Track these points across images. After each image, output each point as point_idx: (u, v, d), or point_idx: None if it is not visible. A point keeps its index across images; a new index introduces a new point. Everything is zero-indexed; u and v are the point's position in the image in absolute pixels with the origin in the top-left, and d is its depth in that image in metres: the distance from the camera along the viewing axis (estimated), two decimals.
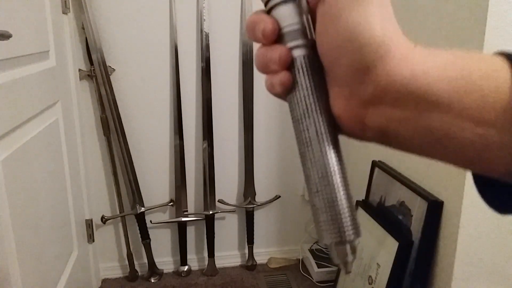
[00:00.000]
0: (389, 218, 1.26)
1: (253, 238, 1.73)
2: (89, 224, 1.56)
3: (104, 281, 1.69)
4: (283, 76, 0.26)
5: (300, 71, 0.26)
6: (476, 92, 0.21)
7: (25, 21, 1.02)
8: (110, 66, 1.50)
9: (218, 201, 1.69)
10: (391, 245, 1.18)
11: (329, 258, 1.70)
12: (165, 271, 1.73)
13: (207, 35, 1.54)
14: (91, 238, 1.58)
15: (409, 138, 0.23)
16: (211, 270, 1.71)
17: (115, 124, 1.53)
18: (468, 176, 0.99)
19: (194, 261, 1.76)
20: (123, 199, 1.61)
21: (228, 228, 1.77)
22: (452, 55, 0.22)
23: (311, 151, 0.26)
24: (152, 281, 1.67)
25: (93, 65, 1.47)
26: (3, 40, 0.85)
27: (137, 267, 1.69)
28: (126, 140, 1.56)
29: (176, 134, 1.60)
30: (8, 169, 0.88)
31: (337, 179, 0.25)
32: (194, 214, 1.70)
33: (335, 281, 1.53)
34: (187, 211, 1.67)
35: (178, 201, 1.65)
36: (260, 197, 1.73)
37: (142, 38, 1.51)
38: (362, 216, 1.42)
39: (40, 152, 1.09)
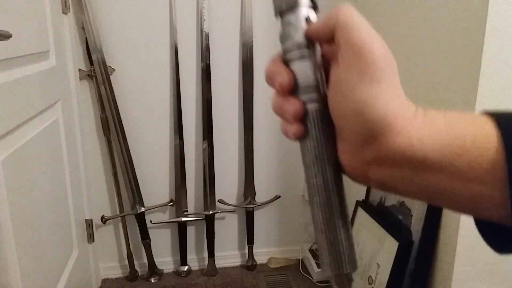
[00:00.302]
0: (389, 218, 1.26)
1: (253, 238, 1.73)
2: (89, 224, 1.56)
3: (104, 281, 1.69)
4: (297, 128, 0.29)
5: (312, 123, 0.29)
6: (467, 156, 0.24)
7: (25, 21, 1.02)
8: (110, 66, 1.50)
9: (218, 201, 1.69)
10: (391, 245, 1.18)
11: None
12: (165, 271, 1.73)
13: (207, 35, 1.54)
14: (91, 238, 1.58)
15: (407, 192, 0.26)
16: (211, 270, 1.71)
17: (115, 124, 1.53)
18: None
19: (194, 261, 1.76)
20: (123, 199, 1.61)
21: (228, 228, 1.77)
22: (445, 122, 0.25)
23: (318, 195, 0.29)
24: (152, 281, 1.67)
25: (93, 65, 1.47)
26: (3, 40, 0.85)
27: (137, 267, 1.69)
28: (126, 140, 1.56)
29: (176, 134, 1.60)
30: (8, 169, 0.88)
31: (339, 222, 0.29)
32: (194, 214, 1.70)
33: None
34: (187, 211, 1.67)
35: (178, 201, 1.65)
36: (260, 197, 1.73)
37: (142, 38, 1.51)
38: (362, 216, 1.42)
39: (40, 152, 1.09)
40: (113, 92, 1.51)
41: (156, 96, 1.57)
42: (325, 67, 0.29)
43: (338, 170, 0.29)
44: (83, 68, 1.50)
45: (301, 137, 0.29)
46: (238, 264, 1.79)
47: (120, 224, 1.66)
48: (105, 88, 1.49)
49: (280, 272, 1.74)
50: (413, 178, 0.25)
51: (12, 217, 0.88)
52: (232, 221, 1.77)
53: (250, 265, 1.75)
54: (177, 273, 1.72)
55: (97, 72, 1.47)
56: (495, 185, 0.23)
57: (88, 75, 1.50)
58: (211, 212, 1.67)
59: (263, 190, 1.74)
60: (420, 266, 1.12)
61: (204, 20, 1.52)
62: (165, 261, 1.73)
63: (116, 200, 1.62)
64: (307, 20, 0.28)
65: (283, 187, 1.77)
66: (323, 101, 0.28)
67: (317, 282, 1.64)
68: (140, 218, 1.62)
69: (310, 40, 0.28)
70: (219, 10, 1.54)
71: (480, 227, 0.27)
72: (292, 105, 0.29)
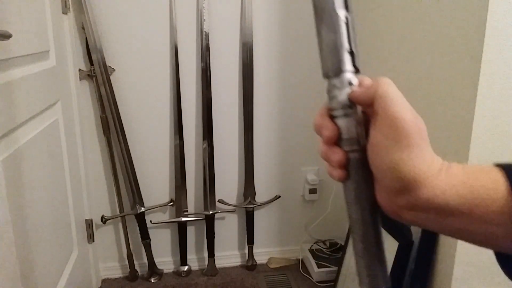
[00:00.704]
0: (389, 218, 1.26)
1: (253, 238, 1.73)
2: (89, 224, 1.56)
3: (104, 281, 1.69)
4: (341, 173, 0.35)
5: (353, 169, 0.34)
6: (482, 203, 0.29)
7: (25, 21, 1.02)
8: (110, 66, 1.50)
9: (218, 201, 1.69)
10: (391, 245, 1.18)
11: (329, 258, 1.70)
12: (165, 271, 1.73)
13: (207, 35, 1.54)
14: (91, 238, 1.58)
15: (434, 229, 0.33)
16: (211, 270, 1.71)
17: (115, 124, 1.53)
18: None
19: (194, 261, 1.76)
20: (123, 199, 1.61)
21: (228, 228, 1.77)
22: (464, 175, 0.30)
23: (358, 228, 0.35)
24: (152, 281, 1.67)
25: (93, 65, 1.47)
26: (3, 40, 0.85)
27: (137, 267, 1.69)
28: (126, 140, 1.56)
29: (176, 134, 1.60)
30: (8, 169, 0.88)
31: (375, 250, 0.34)
32: (194, 214, 1.70)
33: (335, 281, 1.53)
34: (187, 211, 1.67)
35: (178, 201, 1.65)
36: (260, 197, 1.73)
37: (142, 38, 1.51)
38: None
39: (40, 152, 1.09)
40: (113, 92, 1.51)
41: (156, 96, 1.57)
42: (364, 121, 0.34)
43: (375, 208, 0.34)
44: (83, 68, 1.50)
45: (344, 180, 0.35)
46: (238, 264, 1.79)
47: (120, 224, 1.66)
48: (105, 88, 1.49)
49: (280, 272, 1.74)
50: (439, 221, 0.31)
51: (12, 217, 0.88)
52: (232, 221, 1.77)
53: (250, 265, 1.75)
54: (177, 273, 1.72)
55: (97, 72, 1.47)
56: (506, 226, 0.28)
57: (88, 75, 1.50)
58: (211, 212, 1.67)
59: (263, 190, 1.74)
60: (420, 266, 1.12)
61: (204, 20, 1.52)
62: (165, 261, 1.73)
63: (116, 200, 1.62)
64: (350, 83, 0.34)
65: (283, 187, 1.77)
66: (363, 151, 0.34)
67: (317, 282, 1.64)
68: (140, 218, 1.62)
69: (352, 101, 0.34)
70: (219, 10, 1.54)
71: (498, 258, 0.32)
72: (337, 155, 0.34)
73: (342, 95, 0.34)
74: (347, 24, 0.33)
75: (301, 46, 1.63)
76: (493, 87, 0.93)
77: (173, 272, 1.74)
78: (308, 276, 1.69)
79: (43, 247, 1.09)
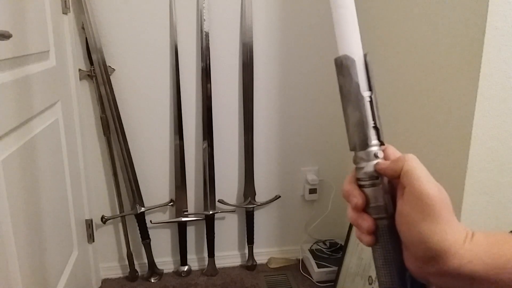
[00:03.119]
0: None
1: (253, 238, 1.73)
2: (89, 224, 1.56)
3: (104, 281, 1.69)
4: (370, 239, 0.37)
5: (382, 235, 0.36)
6: (506, 269, 0.31)
7: (25, 21, 1.02)
8: (110, 66, 1.50)
9: (218, 201, 1.69)
10: None
11: (329, 258, 1.70)
12: (165, 271, 1.73)
13: (207, 35, 1.54)
14: (91, 238, 1.58)
15: None
16: (211, 270, 1.71)
17: (115, 124, 1.53)
18: (468, 176, 0.99)
19: (194, 261, 1.76)
20: (123, 199, 1.61)
21: (228, 228, 1.77)
22: (487, 243, 0.33)
23: None
24: (152, 281, 1.67)
25: (93, 65, 1.47)
26: (3, 40, 0.85)
27: (137, 267, 1.69)
28: (126, 140, 1.56)
29: (176, 134, 1.60)
30: (8, 169, 0.88)
31: None
32: (194, 214, 1.70)
33: (335, 281, 1.53)
34: (187, 211, 1.67)
35: (178, 201, 1.65)
36: (260, 197, 1.73)
37: (142, 38, 1.51)
38: None
39: (40, 152, 1.09)
40: (113, 92, 1.51)
41: (156, 96, 1.57)
42: (391, 189, 0.37)
43: (404, 271, 0.36)
44: (83, 68, 1.50)
45: (373, 245, 0.37)
46: (238, 264, 1.79)
47: (120, 224, 1.66)
48: (105, 88, 1.49)
49: (280, 272, 1.74)
50: (467, 287, 0.33)
51: (12, 217, 0.88)
52: (232, 221, 1.77)
53: (250, 265, 1.75)
54: (177, 273, 1.72)
55: (97, 72, 1.47)
56: None
57: (88, 75, 1.50)
58: (211, 212, 1.67)
59: (263, 190, 1.74)
60: None
61: (204, 20, 1.52)
62: (165, 261, 1.73)
63: (116, 200, 1.62)
64: (376, 156, 0.36)
65: (283, 187, 1.77)
66: (390, 218, 0.36)
67: (317, 282, 1.64)
68: (140, 218, 1.62)
69: (379, 173, 0.36)
70: (219, 10, 1.54)
71: None
72: (366, 222, 0.37)
73: (369, 167, 0.36)
74: (371, 103, 0.36)
75: (301, 46, 1.63)
76: (493, 87, 0.93)
77: (173, 272, 1.74)
78: (308, 276, 1.69)
79: (43, 247, 1.09)
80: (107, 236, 1.68)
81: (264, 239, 1.81)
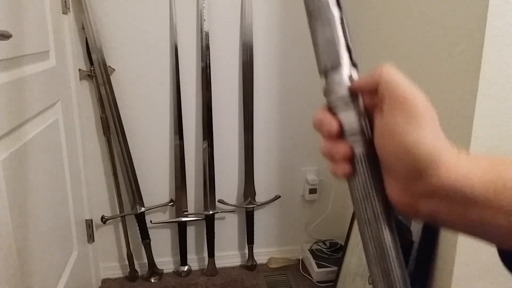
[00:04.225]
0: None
1: (253, 238, 1.73)
2: (89, 224, 1.56)
3: (104, 281, 1.69)
4: (346, 168, 0.32)
5: (360, 163, 0.32)
6: (507, 192, 0.27)
7: (25, 21, 1.02)
8: (110, 66, 1.50)
9: (218, 201, 1.69)
10: None
11: (329, 258, 1.70)
12: (165, 271, 1.72)
13: (207, 35, 1.54)
14: (91, 238, 1.58)
15: (454, 224, 0.29)
16: (211, 270, 1.71)
17: (115, 124, 1.52)
18: None
19: (194, 261, 1.76)
20: (123, 199, 1.61)
21: (228, 228, 1.77)
22: (488, 162, 0.28)
23: (369, 229, 0.32)
24: (152, 281, 1.67)
25: (93, 65, 1.47)
26: (3, 40, 0.85)
27: (137, 267, 1.69)
28: (126, 140, 1.56)
29: (176, 134, 1.60)
30: (8, 169, 0.88)
31: (392, 253, 0.31)
32: (194, 214, 1.70)
33: (335, 281, 1.53)
34: (187, 211, 1.67)
35: (178, 201, 1.65)
36: (260, 197, 1.73)
37: (142, 38, 1.51)
38: None
39: (40, 152, 1.09)
40: (113, 92, 1.51)
41: (156, 96, 1.57)
42: (367, 114, 0.33)
43: (386, 204, 0.32)
44: (83, 68, 1.50)
45: (350, 176, 0.33)
46: (238, 264, 1.79)
47: (120, 224, 1.66)
48: (105, 88, 1.49)
49: (280, 272, 1.74)
50: (461, 212, 0.28)
51: (12, 217, 0.88)
52: (232, 221, 1.77)
53: (250, 265, 1.75)
54: (177, 273, 1.72)
55: (97, 72, 1.47)
56: None
57: (88, 75, 1.50)
58: (211, 212, 1.66)
59: (263, 190, 1.74)
60: (420, 266, 1.12)
61: (204, 20, 1.52)
62: (165, 261, 1.73)
63: (116, 200, 1.62)
64: (350, 77, 0.33)
65: (283, 187, 1.77)
66: (368, 143, 0.32)
67: (317, 282, 1.64)
68: (140, 218, 1.62)
69: (353, 93, 0.33)
70: (219, 10, 1.54)
71: (503, 256, 0.30)
72: (341, 147, 0.32)
73: (342, 89, 0.33)
74: (341, 20, 0.33)
75: (301, 46, 1.63)
76: (493, 87, 0.93)
77: (173, 272, 1.74)
78: (308, 276, 1.69)
79: (43, 247, 1.09)
80: (107, 236, 1.68)
81: (264, 239, 1.81)
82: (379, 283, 0.31)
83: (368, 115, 0.33)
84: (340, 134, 0.33)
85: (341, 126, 0.32)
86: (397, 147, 0.29)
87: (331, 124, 0.33)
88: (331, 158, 0.33)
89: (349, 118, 0.32)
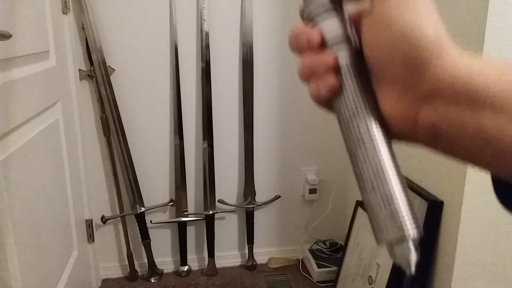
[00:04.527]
0: None
1: (253, 238, 1.73)
2: (89, 224, 1.56)
3: (104, 281, 1.69)
4: (331, 79, 0.27)
5: (347, 74, 0.27)
6: None
7: (25, 21, 1.02)
8: (110, 66, 1.50)
9: (218, 201, 1.69)
10: None
11: (329, 258, 1.70)
12: (165, 271, 1.72)
13: (207, 35, 1.54)
14: (91, 238, 1.58)
15: (459, 138, 0.23)
16: (211, 270, 1.71)
17: (115, 124, 1.53)
18: (468, 176, 0.99)
19: (194, 261, 1.76)
20: (123, 199, 1.61)
21: (228, 228, 1.77)
22: (503, 64, 0.23)
23: (364, 148, 0.26)
24: (152, 281, 1.67)
25: (93, 65, 1.47)
26: (3, 40, 0.85)
27: (137, 267, 1.69)
28: (126, 140, 1.56)
29: (176, 134, 1.60)
30: (8, 169, 0.88)
31: (393, 174, 0.25)
32: (194, 214, 1.70)
33: (335, 281, 1.53)
34: (187, 211, 1.67)
35: (178, 201, 1.65)
36: (260, 197, 1.73)
37: (142, 38, 1.51)
38: (363, 216, 1.42)
39: (40, 152, 1.09)
40: (113, 92, 1.51)
41: (156, 96, 1.57)
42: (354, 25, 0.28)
43: (381, 118, 0.27)
44: (83, 68, 1.50)
45: (336, 92, 0.27)
46: (238, 264, 1.79)
47: (120, 224, 1.66)
48: (105, 88, 1.49)
49: (280, 272, 1.74)
50: (470, 119, 0.22)
51: (12, 217, 0.88)
52: (232, 221, 1.77)
53: (250, 265, 1.75)
54: (177, 273, 1.72)
55: (97, 72, 1.47)
56: None
57: (88, 75, 1.50)
58: (211, 212, 1.66)
59: (263, 190, 1.74)
60: (420, 266, 1.13)
61: (204, 20, 1.52)
62: (165, 261, 1.73)
63: (116, 200, 1.62)
64: None
65: (283, 187, 1.77)
66: (355, 52, 0.27)
67: (317, 282, 1.64)
68: (140, 218, 1.62)
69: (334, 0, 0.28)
70: (219, 10, 1.54)
71: (498, 188, 0.25)
72: (324, 56, 0.27)
73: None
74: None
75: None
76: None
77: (173, 272, 1.74)
78: (308, 276, 1.69)
79: (43, 247, 1.09)
80: (107, 236, 1.68)
81: (264, 239, 1.81)
82: (380, 212, 0.25)
83: (355, 28, 0.28)
84: (322, 45, 0.28)
85: (323, 36, 0.27)
86: (392, 37, 0.24)
87: (311, 33, 0.27)
88: (312, 72, 0.28)
89: (332, 25, 0.27)
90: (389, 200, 0.25)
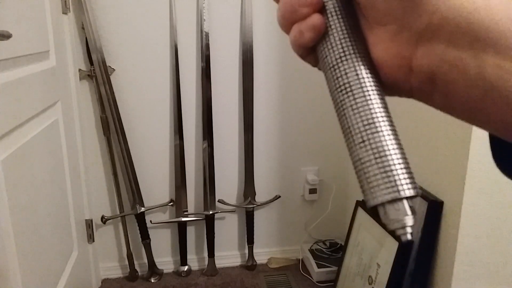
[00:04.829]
0: None
1: (253, 238, 1.73)
2: (89, 224, 1.56)
3: (104, 281, 1.69)
4: (315, 18, 0.23)
5: (334, 13, 0.24)
6: None
7: (25, 21, 1.02)
8: (110, 66, 1.50)
9: (218, 201, 1.69)
10: (391, 245, 1.18)
11: (329, 258, 1.70)
12: (165, 271, 1.73)
13: (207, 35, 1.54)
14: (91, 238, 1.58)
15: (458, 87, 0.20)
16: (211, 270, 1.71)
17: (115, 124, 1.53)
18: (468, 176, 0.99)
19: (194, 261, 1.76)
20: (123, 199, 1.61)
21: (228, 228, 1.77)
22: None
23: (352, 96, 0.23)
24: (152, 281, 1.67)
25: (93, 65, 1.47)
26: (3, 40, 0.85)
27: (137, 267, 1.69)
28: (126, 140, 1.56)
29: (176, 134, 1.60)
30: (8, 169, 0.88)
31: (386, 125, 0.22)
32: (194, 214, 1.70)
33: (335, 281, 1.53)
34: (187, 211, 1.67)
35: (178, 201, 1.65)
36: (260, 197, 1.73)
37: (142, 38, 1.51)
38: (362, 216, 1.42)
39: (40, 152, 1.09)
40: (113, 92, 1.51)
41: (156, 96, 1.57)
42: None
43: (371, 64, 0.24)
44: (83, 68, 1.50)
45: (321, 34, 0.24)
46: (238, 264, 1.79)
47: (120, 224, 1.66)
48: (105, 88, 1.49)
49: (280, 272, 1.74)
50: (471, 63, 0.19)
51: (12, 217, 0.88)
52: (232, 221, 1.77)
53: (250, 265, 1.75)
54: (177, 273, 1.72)
55: (97, 72, 1.47)
56: None
57: (88, 75, 1.50)
58: (211, 212, 1.66)
59: (263, 190, 1.74)
60: (420, 266, 1.13)
61: (204, 20, 1.52)
62: (165, 261, 1.73)
63: (116, 200, 1.62)
64: None
65: (283, 187, 1.77)
66: None
67: (317, 282, 1.64)
68: (140, 218, 1.62)
69: None
70: (219, 10, 1.54)
71: (496, 151, 0.22)
72: None
73: None
74: None
75: None
76: None
77: (173, 272, 1.74)
78: (308, 276, 1.69)
79: (43, 247, 1.09)
80: (107, 236, 1.68)
81: (264, 239, 1.81)
82: (372, 169, 0.22)
83: None
84: None
85: None
86: None
87: None
88: (293, 14, 0.24)
89: None
90: (381, 154, 0.22)
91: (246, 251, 1.78)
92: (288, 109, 1.68)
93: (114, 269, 1.71)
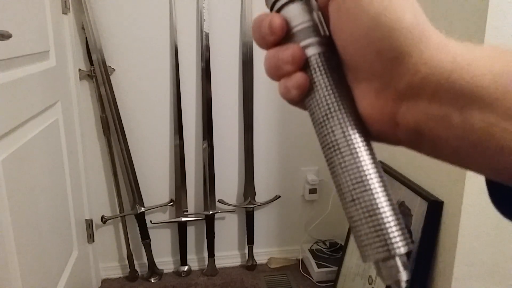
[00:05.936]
0: None
1: (253, 238, 1.73)
2: (89, 224, 1.56)
3: (104, 281, 1.69)
4: (299, 77, 0.24)
5: (317, 69, 0.24)
6: None
7: (25, 21, 1.02)
8: (110, 66, 1.50)
9: (218, 201, 1.69)
10: None
11: (329, 258, 1.70)
12: (165, 271, 1.72)
13: (207, 35, 1.54)
14: (91, 238, 1.58)
15: (445, 140, 0.20)
16: (211, 270, 1.71)
17: (115, 124, 1.53)
18: (468, 176, 0.99)
19: (194, 261, 1.76)
20: (123, 199, 1.61)
21: (228, 228, 1.77)
22: (493, 50, 0.20)
23: (340, 154, 0.23)
24: (152, 281, 1.67)
25: (93, 65, 1.47)
26: (3, 40, 0.85)
27: (137, 267, 1.69)
28: (126, 140, 1.56)
29: (176, 134, 1.60)
30: (8, 169, 0.88)
31: (374, 182, 0.22)
32: (194, 214, 1.70)
33: (335, 281, 1.53)
34: (187, 211, 1.67)
35: (178, 201, 1.65)
36: (260, 197, 1.73)
37: (142, 38, 1.51)
38: None
39: (40, 152, 1.09)
40: (113, 92, 1.51)
41: (156, 96, 1.57)
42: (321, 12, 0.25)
43: (358, 117, 0.23)
44: (83, 68, 1.50)
45: (306, 91, 0.24)
46: (238, 264, 1.79)
47: (120, 224, 1.66)
48: (105, 88, 1.49)
49: (280, 272, 1.74)
50: (456, 119, 0.19)
51: (12, 217, 0.88)
52: (232, 221, 1.77)
53: (250, 265, 1.75)
54: (177, 273, 1.72)
55: (97, 72, 1.47)
56: None
57: (88, 75, 1.50)
58: (211, 212, 1.66)
59: (263, 190, 1.74)
60: (420, 266, 1.12)
61: (204, 20, 1.52)
62: (165, 261, 1.73)
63: (116, 200, 1.62)
64: None
65: (283, 187, 1.77)
66: (326, 44, 0.24)
67: (317, 282, 1.64)
68: (140, 218, 1.62)
69: None
70: (219, 10, 1.54)
71: (493, 192, 0.22)
72: (290, 49, 0.23)
73: None
74: None
75: None
76: None
77: (173, 272, 1.74)
78: (308, 276, 1.69)
79: (43, 247, 1.09)
80: (107, 236, 1.68)
81: (264, 239, 1.81)
82: (363, 227, 0.22)
83: (322, 12, 0.24)
84: (287, 36, 0.24)
85: (287, 25, 0.24)
86: (362, 24, 0.21)
87: (273, 18, 0.24)
88: (278, 70, 0.24)
89: (297, 12, 0.24)
90: (370, 214, 0.22)
91: (246, 251, 1.78)
92: (288, 109, 1.68)
93: (114, 269, 1.71)
